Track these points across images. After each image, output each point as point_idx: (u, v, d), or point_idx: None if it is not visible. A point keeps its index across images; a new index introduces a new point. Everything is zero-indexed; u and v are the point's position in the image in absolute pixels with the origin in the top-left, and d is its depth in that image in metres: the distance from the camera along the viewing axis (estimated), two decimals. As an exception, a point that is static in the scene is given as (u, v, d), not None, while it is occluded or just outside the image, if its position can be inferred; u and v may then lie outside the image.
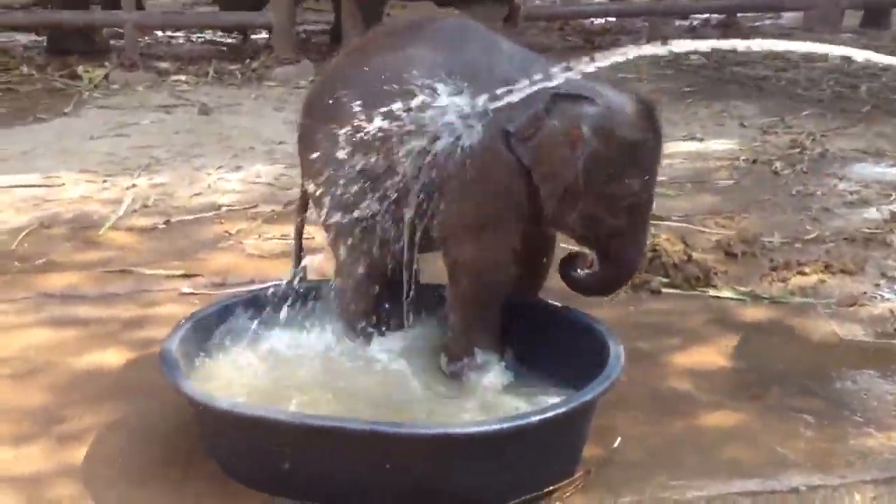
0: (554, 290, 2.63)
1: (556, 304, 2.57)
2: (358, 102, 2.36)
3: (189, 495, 2.15)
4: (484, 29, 2.48)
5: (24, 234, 3.81)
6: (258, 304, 2.55)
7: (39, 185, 4.46)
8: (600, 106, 2.29)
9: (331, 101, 2.45)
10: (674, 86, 6.86)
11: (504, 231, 2.37)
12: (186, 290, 3.27)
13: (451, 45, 2.40)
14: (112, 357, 2.81)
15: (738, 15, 9.79)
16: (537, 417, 2.05)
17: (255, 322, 2.53)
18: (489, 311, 2.43)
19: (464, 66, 2.34)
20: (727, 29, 9.41)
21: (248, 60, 7.51)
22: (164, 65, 7.34)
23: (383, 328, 2.56)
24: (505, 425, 2.05)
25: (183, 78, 6.97)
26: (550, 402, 2.15)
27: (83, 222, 3.97)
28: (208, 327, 2.49)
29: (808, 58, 7.68)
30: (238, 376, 2.42)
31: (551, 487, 2.10)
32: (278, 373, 2.45)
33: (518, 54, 2.43)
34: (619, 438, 2.31)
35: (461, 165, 2.29)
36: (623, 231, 2.37)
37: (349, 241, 2.50)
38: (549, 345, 2.47)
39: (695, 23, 9.97)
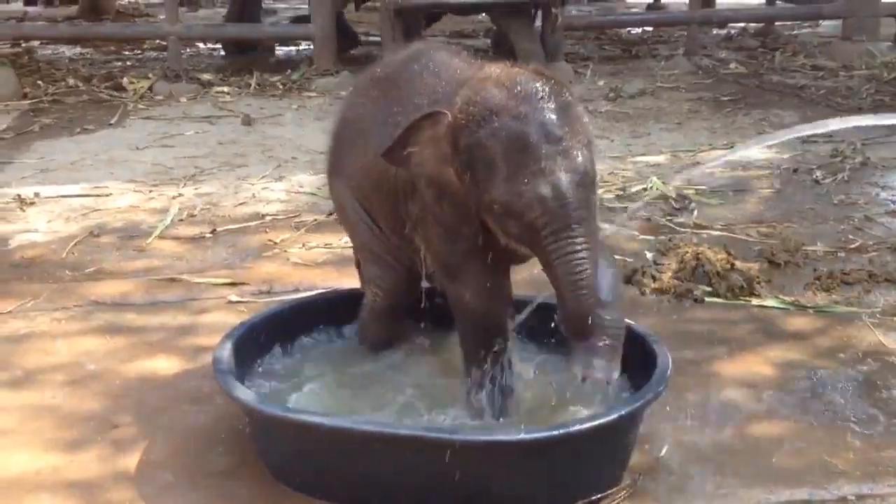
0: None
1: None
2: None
3: (241, 499, 2.19)
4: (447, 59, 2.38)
5: (73, 243, 3.89)
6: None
7: (87, 195, 4.55)
8: (451, 111, 2.04)
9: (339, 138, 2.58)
10: (713, 94, 6.85)
11: (473, 268, 2.22)
12: (234, 298, 3.32)
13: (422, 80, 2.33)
14: (163, 364, 2.86)
15: (776, 24, 9.75)
16: (586, 425, 2.07)
17: None
18: (484, 345, 2.27)
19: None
20: (765, 38, 9.38)
21: (288, 72, 7.59)
22: (206, 76, 7.44)
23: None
24: (554, 433, 2.07)
25: (225, 89, 7.08)
26: (599, 412, 2.17)
27: (131, 231, 4.04)
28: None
29: (847, 66, 7.65)
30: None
31: (599, 495, 2.12)
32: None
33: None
34: (665, 447, 2.32)
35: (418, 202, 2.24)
36: (544, 261, 1.99)
37: (368, 272, 2.60)
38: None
39: (732, 31, 9.94)
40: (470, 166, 2.00)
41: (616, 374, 2.13)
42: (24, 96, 6.78)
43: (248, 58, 8.40)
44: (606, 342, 2.10)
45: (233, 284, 3.45)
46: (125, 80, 7.17)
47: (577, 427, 2.06)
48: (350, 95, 2.70)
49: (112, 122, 6.14)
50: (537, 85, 1.98)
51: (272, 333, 2.62)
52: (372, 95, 2.47)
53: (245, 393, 2.22)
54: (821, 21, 9.97)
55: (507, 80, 2.01)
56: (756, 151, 5.18)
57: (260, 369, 2.56)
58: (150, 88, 7.02)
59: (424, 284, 2.53)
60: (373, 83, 2.50)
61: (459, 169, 2.03)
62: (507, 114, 1.95)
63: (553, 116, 1.95)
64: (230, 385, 2.23)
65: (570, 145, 1.94)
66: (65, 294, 3.38)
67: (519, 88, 1.97)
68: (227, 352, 2.36)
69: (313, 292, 3.19)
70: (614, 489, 2.15)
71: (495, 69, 2.09)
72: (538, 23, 7.89)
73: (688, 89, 7.08)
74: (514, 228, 1.99)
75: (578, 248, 1.93)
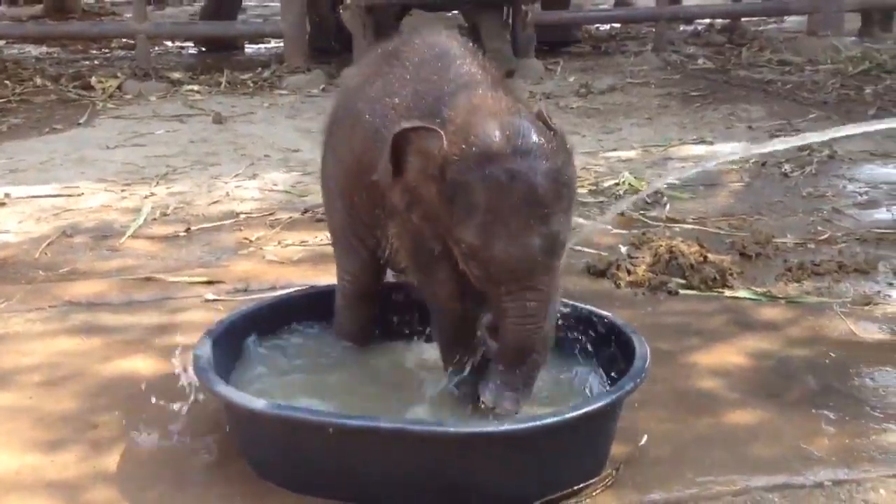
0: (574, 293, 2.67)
1: (581, 305, 2.60)
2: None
3: (223, 497, 2.19)
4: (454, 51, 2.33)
5: (46, 243, 3.86)
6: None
7: (59, 195, 4.52)
8: (447, 135, 2.00)
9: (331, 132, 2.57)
10: (682, 90, 6.92)
11: (444, 270, 2.20)
12: (210, 296, 3.31)
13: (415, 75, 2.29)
14: (140, 363, 2.85)
15: (743, 19, 9.85)
16: (566, 416, 2.09)
17: None
18: (461, 343, 2.29)
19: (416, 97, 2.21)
20: (732, 34, 9.47)
21: (259, 70, 7.57)
22: (176, 75, 7.40)
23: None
24: (534, 424, 2.09)
25: (195, 87, 7.04)
26: (578, 402, 2.19)
27: (104, 231, 4.02)
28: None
29: (812, 61, 7.75)
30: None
31: (580, 485, 2.14)
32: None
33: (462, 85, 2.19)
34: (645, 437, 2.34)
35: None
36: (496, 308, 2.05)
37: (338, 256, 2.63)
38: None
39: (699, 28, 10.03)
40: (451, 198, 1.98)
41: (523, 403, 2.13)
42: (-9, 96, 6.72)
43: (221, 55, 8.37)
44: (524, 372, 2.11)
45: (209, 283, 3.44)
46: (93, 79, 7.12)
47: (558, 418, 2.08)
48: (350, 77, 2.67)
49: (81, 121, 6.10)
50: (538, 140, 1.95)
51: (251, 329, 2.62)
52: (367, 76, 2.45)
53: (225, 388, 2.21)
54: (786, 17, 10.09)
55: (510, 124, 1.97)
56: (725, 147, 5.26)
57: (239, 365, 2.55)
58: (119, 87, 6.98)
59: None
60: (371, 63, 2.50)
61: (440, 193, 2.01)
62: (499, 166, 1.92)
63: (543, 180, 1.93)
64: (211, 381, 2.23)
65: (551, 211, 1.94)
66: (39, 295, 3.35)
67: (520, 141, 1.94)
68: (206, 349, 2.36)
69: (290, 289, 3.19)
70: (595, 479, 2.17)
71: (499, 96, 2.07)
72: (509, 19, 7.92)
73: (657, 85, 7.14)
74: (476, 270, 2.02)
75: (532, 308, 1.99)
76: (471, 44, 2.42)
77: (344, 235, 2.59)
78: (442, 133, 1.99)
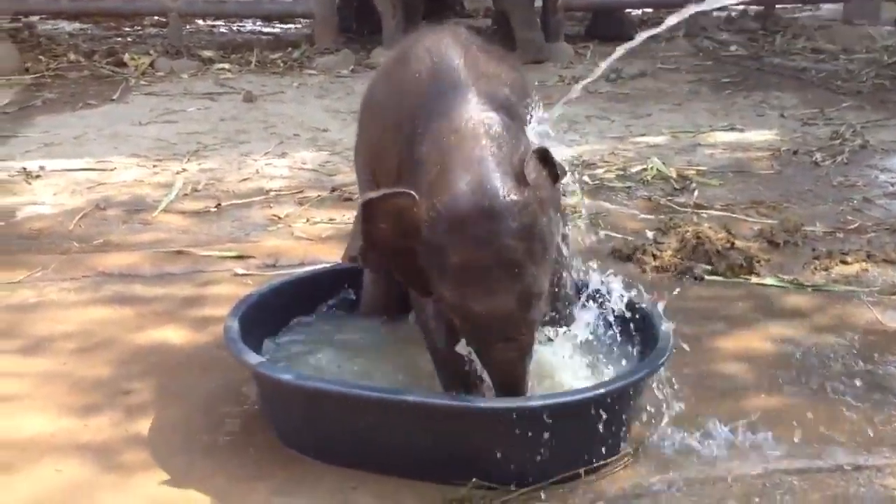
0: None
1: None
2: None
3: (250, 462, 2.24)
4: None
5: (80, 215, 3.92)
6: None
7: (92, 169, 4.58)
8: (419, 194, 2.02)
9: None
10: (713, 76, 6.88)
11: (426, 309, 2.30)
12: (240, 271, 3.36)
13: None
14: (171, 333, 2.90)
15: (777, 6, 9.76)
16: (588, 394, 2.12)
17: None
18: (443, 375, 2.35)
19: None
20: (765, 20, 9.39)
21: (289, 49, 7.61)
22: (207, 53, 7.44)
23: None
24: (555, 401, 2.12)
25: (226, 66, 7.08)
26: (601, 381, 2.22)
27: (137, 205, 4.08)
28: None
29: (847, 50, 7.69)
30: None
31: (600, 462, 2.17)
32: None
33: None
34: (665, 418, 2.36)
35: None
36: (478, 355, 2.13)
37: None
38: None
39: (733, 14, 9.95)
40: (426, 256, 2.03)
41: None
42: (26, 71, 6.78)
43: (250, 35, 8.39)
44: None
45: (239, 258, 3.49)
46: (126, 55, 7.16)
47: (580, 396, 2.11)
48: (379, 69, 2.74)
49: (114, 97, 6.15)
50: (508, 200, 1.95)
51: (280, 303, 2.67)
52: (387, 76, 2.53)
53: (254, 359, 2.26)
54: (821, 4, 9.98)
55: (481, 184, 1.97)
56: (756, 134, 5.24)
57: (268, 337, 2.60)
58: (152, 65, 7.02)
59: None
60: (390, 65, 2.55)
61: (416, 250, 2.03)
62: (470, 231, 1.95)
63: (513, 241, 1.95)
64: (240, 351, 2.27)
65: (523, 269, 1.97)
66: (73, 265, 3.42)
67: (489, 203, 1.94)
68: (237, 320, 2.40)
69: (318, 266, 3.23)
70: (615, 457, 2.20)
71: (476, 136, 2.06)
72: (538, 3, 7.89)
73: (688, 71, 7.11)
74: (457, 320, 2.07)
75: (512, 357, 2.06)
76: (476, 44, 2.43)
77: None
78: (413, 196, 2.00)
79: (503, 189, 1.97)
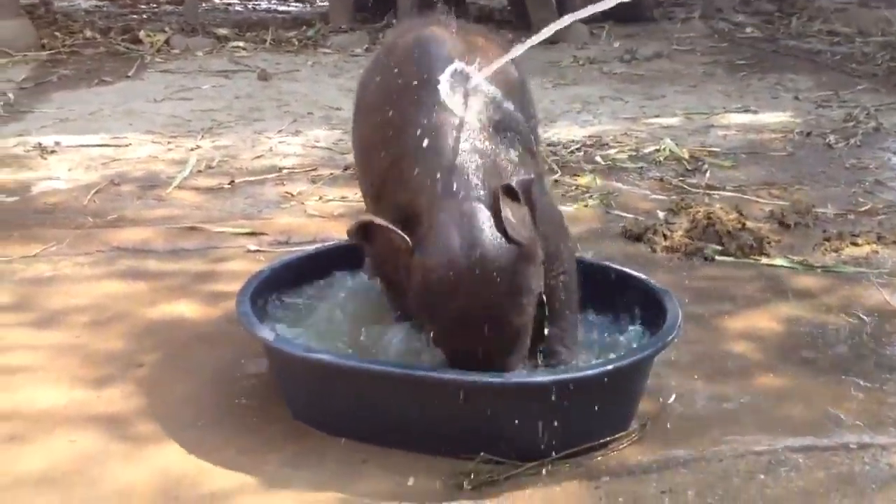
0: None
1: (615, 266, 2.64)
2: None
3: (260, 435, 2.26)
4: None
5: (94, 191, 3.95)
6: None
7: (107, 145, 4.61)
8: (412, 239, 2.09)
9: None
10: (728, 58, 6.86)
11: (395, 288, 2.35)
12: (253, 247, 3.39)
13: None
14: (184, 308, 2.93)
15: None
16: (596, 370, 2.14)
17: None
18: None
19: None
20: (781, 2, 9.34)
21: (304, 28, 7.61)
22: (222, 31, 7.46)
23: None
24: (564, 377, 2.14)
25: (241, 44, 7.10)
26: (609, 357, 2.24)
27: (151, 181, 4.11)
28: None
29: (863, 32, 7.64)
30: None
31: (607, 439, 2.19)
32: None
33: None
34: (673, 395, 2.38)
35: None
36: None
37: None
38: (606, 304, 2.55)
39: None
40: (415, 299, 2.11)
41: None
42: (42, 47, 6.81)
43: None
44: None
45: (252, 234, 3.51)
46: (142, 33, 7.19)
47: (589, 372, 2.13)
48: (370, 62, 2.68)
49: (129, 74, 6.18)
50: (493, 255, 2.02)
51: (289, 278, 2.69)
52: (375, 71, 2.50)
53: (266, 333, 2.28)
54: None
55: (467, 240, 2.03)
56: (770, 116, 5.23)
57: (278, 312, 2.62)
58: (167, 42, 7.05)
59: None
60: (380, 60, 2.53)
61: (409, 290, 2.11)
62: (459, 294, 2.02)
63: (497, 297, 2.03)
64: (253, 325, 2.30)
65: (505, 320, 2.06)
66: (87, 240, 3.45)
67: (476, 258, 2.01)
68: (249, 294, 2.42)
69: (330, 242, 3.26)
70: (622, 433, 2.22)
71: (461, 202, 2.08)
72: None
73: (703, 53, 7.09)
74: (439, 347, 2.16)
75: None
76: (466, 35, 2.45)
77: None
78: (409, 243, 2.07)
79: (492, 251, 2.02)
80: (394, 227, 2.09)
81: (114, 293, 3.03)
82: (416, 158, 2.17)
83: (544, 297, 2.20)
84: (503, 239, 2.04)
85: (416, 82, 2.28)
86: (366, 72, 2.60)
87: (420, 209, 2.12)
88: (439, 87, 2.25)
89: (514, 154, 2.24)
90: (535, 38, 2.20)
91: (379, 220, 2.11)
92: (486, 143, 2.20)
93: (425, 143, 2.17)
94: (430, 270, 2.04)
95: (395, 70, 2.37)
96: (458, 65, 2.31)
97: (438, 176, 2.12)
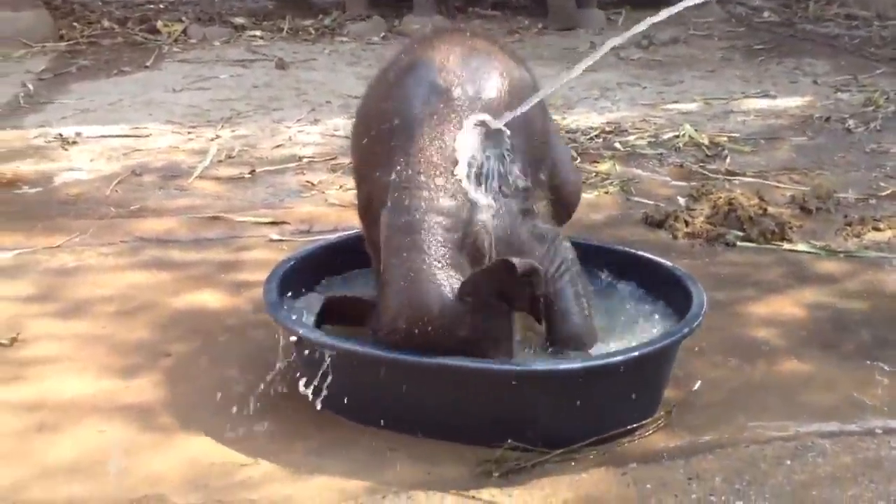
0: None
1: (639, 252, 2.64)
2: None
3: (286, 424, 2.28)
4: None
5: (116, 181, 3.97)
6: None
7: (128, 136, 4.63)
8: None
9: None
10: (746, 43, 6.82)
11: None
12: (275, 236, 3.41)
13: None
14: (209, 297, 2.95)
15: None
16: (622, 357, 2.14)
17: None
18: None
19: None
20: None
21: (320, 16, 7.61)
22: (239, 20, 7.46)
23: None
24: (590, 364, 2.15)
25: (258, 33, 7.10)
26: (635, 344, 2.24)
27: (172, 171, 4.13)
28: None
29: (881, 16, 7.59)
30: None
31: (633, 426, 2.20)
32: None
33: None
34: (699, 382, 2.39)
35: None
36: None
37: None
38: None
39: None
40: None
41: None
42: (61, 38, 6.83)
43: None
44: None
45: (273, 223, 3.53)
46: (159, 23, 7.20)
47: (616, 358, 2.14)
48: (379, 71, 2.62)
49: (148, 64, 6.20)
50: (440, 323, 2.11)
51: (314, 268, 2.70)
52: (380, 84, 2.49)
53: (294, 323, 2.29)
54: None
55: (418, 311, 2.13)
56: (788, 101, 5.21)
57: (303, 301, 2.62)
58: (184, 32, 7.06)
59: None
60: (386, 72, 2.49)
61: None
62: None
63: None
64: (279, 315, 2.31)
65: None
66: (110, 230, 3.47)
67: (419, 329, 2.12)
68: (275, 284, 2.44)
69: (352, 231, 3.26)
70: (649, 420, 2.22)
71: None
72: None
73: (720, 37, 7.05)
74: None
75: None
76: (479, 50, 2.40)
77: None
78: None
79: (447, 302, 2.11)
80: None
81: (138, 283, 3.05)
82: (386, 202, 2.22)
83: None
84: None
85: (397, 121, 2.29)
86: (371, 83, 2.57)
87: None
88: (457, 170, 2.23)
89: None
90: (573, 71, 2.22)
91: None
92: (459, 199, 2.20)
93: (396, 195, 2.20)
94: (380, 327, 2.18)
95: (386, 96, 2.38)
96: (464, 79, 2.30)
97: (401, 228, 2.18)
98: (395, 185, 2.23)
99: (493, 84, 2.34)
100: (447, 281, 2.13)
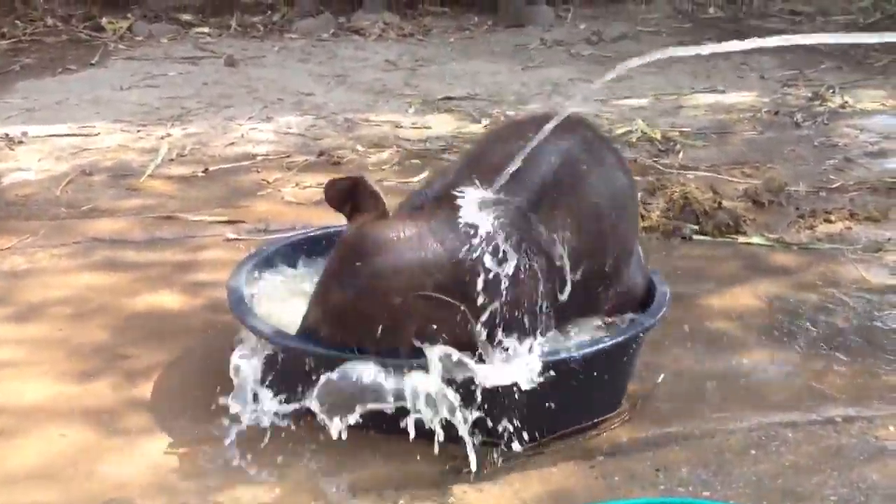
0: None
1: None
2: None
3: (252, 425, 2.25)
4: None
5: (66, 181, 3.90)
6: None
7: (75, 135, 4.55)
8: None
9: None
10: (693, 39, 6.90)
11: None
12: (231, 235, 3.37)
13: None
14: (166, 298, 2.91)
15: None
16: (585, 351, 2.15)
17: None
18: None
19: None
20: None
21: (269, 12, 7.55)
22: (185, 17, 7.38)
23: None
24: (553, 359, 2.15)
25: (206, 30, 7.03)
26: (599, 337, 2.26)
27: (123, 170, 4.06)
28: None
29: (824, 12, 7.73)
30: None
31: (598, 419, 2.21)
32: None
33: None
34: (662, 375, 2.41)
35: None
36: None
37: None
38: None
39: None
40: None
41: None
42: (2, 36, 6.69)
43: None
44: None
45: (229, 222, 3.49)
46: (104, 20, 7.09)
47: (578, 352, 2.14)
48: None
49: (93, 62, 6.10)
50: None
51: (275, 264, 2.67)
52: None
53: (259, 323, 2.27)
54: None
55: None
56: (737, 96, 5.29)
57: (263, 297, 2.60)
58: (130, 29, 6.96)
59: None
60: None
61: None
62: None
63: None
64: (243, 314, 2.28)
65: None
66: (62, 231, 3.41)
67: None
68: (239, 282, 2.41)
69: (311, 229, 3.23)
70: (613, 413, 2.24)
71: None
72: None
73: (668, 33, 7.13)
74: None
75: None
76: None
77: None
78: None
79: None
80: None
81: (94, 285, 3.00)
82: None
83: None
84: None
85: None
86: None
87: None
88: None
89: None
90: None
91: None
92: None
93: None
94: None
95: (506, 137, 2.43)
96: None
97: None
98: None
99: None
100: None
